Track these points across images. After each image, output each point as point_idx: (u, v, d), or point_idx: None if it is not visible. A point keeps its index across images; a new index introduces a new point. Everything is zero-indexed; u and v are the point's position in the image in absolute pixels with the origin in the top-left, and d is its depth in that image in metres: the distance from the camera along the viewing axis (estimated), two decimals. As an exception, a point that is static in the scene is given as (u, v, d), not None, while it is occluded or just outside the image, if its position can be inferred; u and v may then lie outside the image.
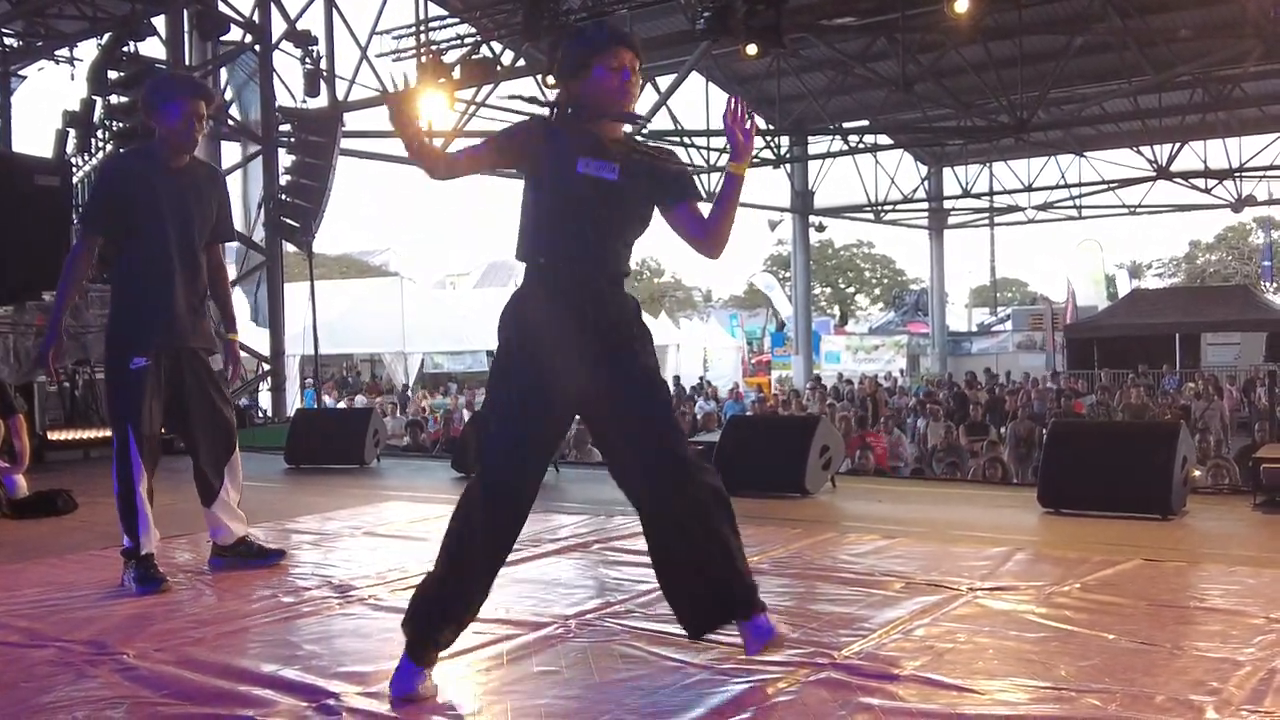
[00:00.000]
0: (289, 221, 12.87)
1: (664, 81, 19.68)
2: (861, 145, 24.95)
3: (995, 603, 3.82)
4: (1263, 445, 8.84)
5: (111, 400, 4.34)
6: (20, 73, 14.71)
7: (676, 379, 22.40)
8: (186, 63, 12.43)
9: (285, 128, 13.44)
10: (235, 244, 12.30)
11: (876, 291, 54.00)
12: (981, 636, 3.43)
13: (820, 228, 29.57)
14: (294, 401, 15.01)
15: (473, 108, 17.18)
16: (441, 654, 2.96)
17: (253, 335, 13.07)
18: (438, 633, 2.90)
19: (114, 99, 12.05)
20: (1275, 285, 35.61)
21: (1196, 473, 7.62)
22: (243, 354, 4.70)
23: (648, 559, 4.64)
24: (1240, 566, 4.44)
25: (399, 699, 2.85)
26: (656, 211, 3.09)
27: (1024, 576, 4.25)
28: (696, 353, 29.99)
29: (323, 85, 13.86)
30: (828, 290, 52.32)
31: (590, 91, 2.97)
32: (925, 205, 30.84)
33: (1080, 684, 2.95)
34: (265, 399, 14.29)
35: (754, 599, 3.04)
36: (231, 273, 7.37)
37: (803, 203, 27.87)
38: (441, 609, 2.90)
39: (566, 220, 2.93)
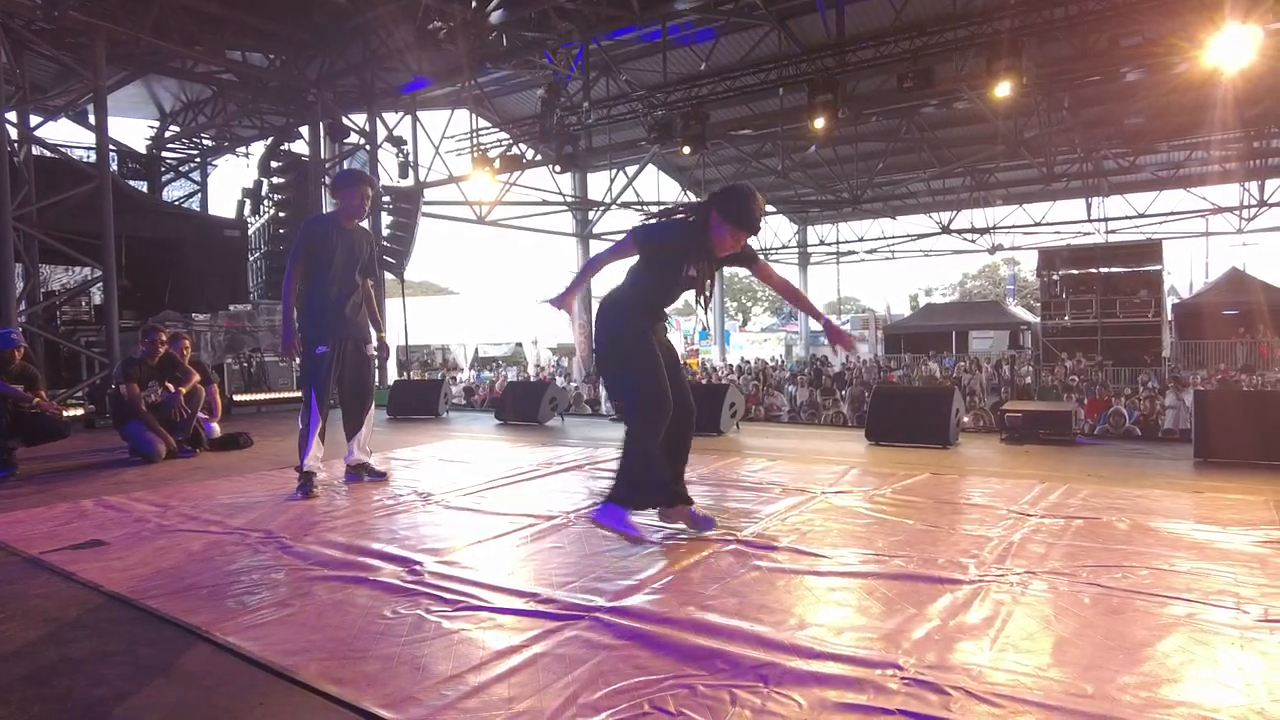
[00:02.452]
0: (389, 260, 12.76)
1: (631, 169, 19.63)
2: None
3: (838, 500, 3.86)
4: (1007, 401, 8.97)
5: (303, 374, 4.32)
6: (214, 163, 14.46)
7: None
8: (321, 157, 12.22)
9: (386, 199, 13.29)
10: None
11: (765, 305, 54.05)
12: (829, 521, 3.46)
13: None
14: (393, 375, 14.81)
15: (508, 187, 17.00)
16: (487, 536, 2.94)
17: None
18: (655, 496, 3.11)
19: (274, 180, 11.92)
20: (1015, 301, 35.92)
21: (965, 419, 7.69)
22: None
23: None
24: (991, 478, 4.50)
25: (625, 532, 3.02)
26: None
27: (856, 484, 4.28)
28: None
29: (410, 171, 13.72)
30: (734, 304, 52.32)
31: (717, 234, 3.02)
32: (796, 249, 30.91)
33: (891, 552, 2.99)
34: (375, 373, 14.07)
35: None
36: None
37: (719, 248, 27.77)
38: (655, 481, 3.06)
39: (669, 292, 3.12)
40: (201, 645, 2.27)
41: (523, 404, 8.06)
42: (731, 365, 21.83)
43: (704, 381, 16.20)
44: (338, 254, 4.29)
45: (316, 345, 4.26)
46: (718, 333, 28.94)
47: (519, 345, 26.59)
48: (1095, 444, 6.04)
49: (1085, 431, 7.97)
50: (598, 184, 22.32)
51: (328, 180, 11.33)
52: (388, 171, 13.68)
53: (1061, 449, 5.62)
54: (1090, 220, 22.13)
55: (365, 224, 4.55)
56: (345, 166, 13.10)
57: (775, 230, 28.07)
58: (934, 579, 2.66)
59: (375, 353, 4.57)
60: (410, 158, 13.65)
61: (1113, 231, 23.31)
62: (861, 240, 28.81)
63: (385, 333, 4.72)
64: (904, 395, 6.56)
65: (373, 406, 4.61)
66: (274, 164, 12.03)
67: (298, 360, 4.36)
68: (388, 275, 13.58)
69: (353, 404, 4.50)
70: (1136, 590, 2.52)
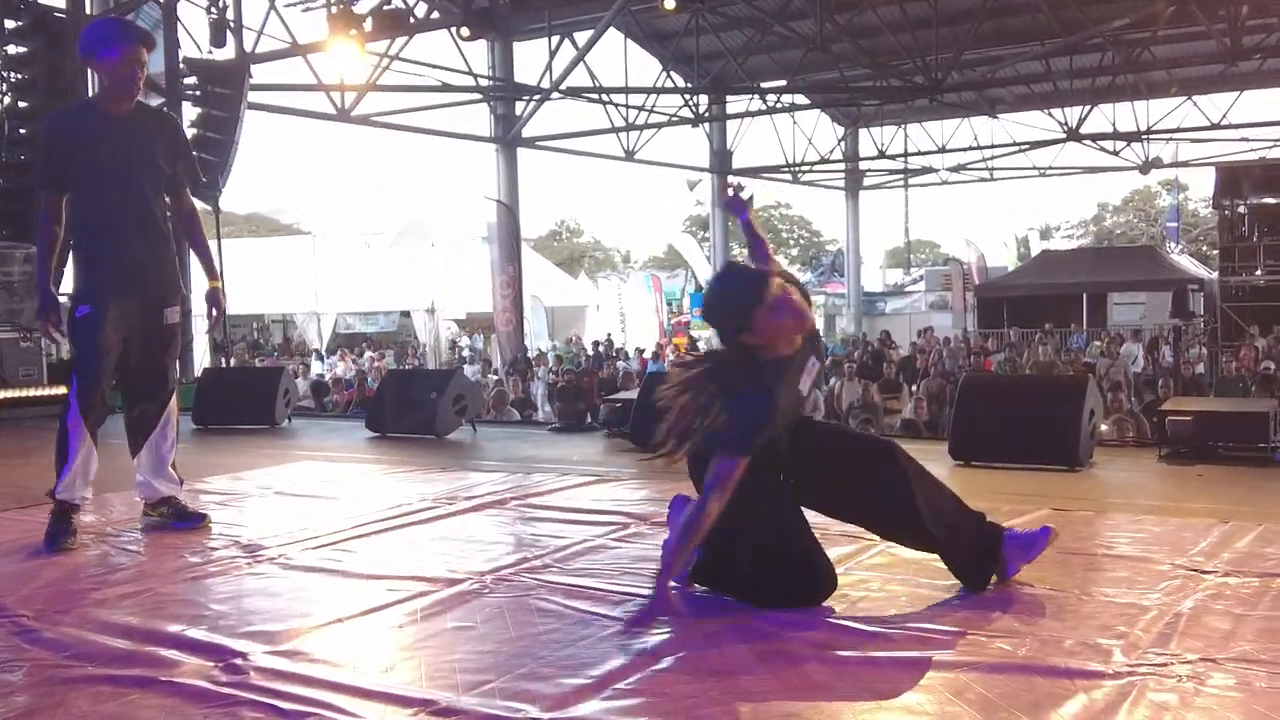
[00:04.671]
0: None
1: (581, 37, 19.50)
2: (779, 105, 25.02)
3: (908, 552, 3.87)
4: (1167, 399, 9.10)
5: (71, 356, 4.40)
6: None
7: (596, 343, 22.38)
8: (86, 11, 11.98)
9: (190, 80, 13.09)
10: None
11: (794, 252, 54.42)
12: (894, 584, 3.47)
13: (739, 188, 29.61)
14: (202, 362, 14.66)
15: (385, 60, 16.82)
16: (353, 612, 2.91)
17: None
18: None
19: (11, 49, 11.60)
20: (1180, 246, 36.62)
21: (1104, 426, 7.81)
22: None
23: (565, 515, 4.69)
24: (1145, 515, 4.55)
25: None
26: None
27: (936, 527, 4.31)
28: (615, 313, 29.94)
29: (229, 36, 13.49)
30: (746, 251, 52.56)
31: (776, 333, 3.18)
32: (841, 166, 31.07)
33: (992, 629, 3.00)
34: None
35: None
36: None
37: (721, 163, 27.88)
38: None
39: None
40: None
41: (411, 406, 8.07)
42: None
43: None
44: (109, 159, 4.27)
45: (78, 305, 4.25)
46: (719, 296, 28.98)
47: (405, 316, 26.48)
48: (1305, 463, 6.13)
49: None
50: (530, 59, 22.26)
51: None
52: (191, 36, 13.51)
53: (1254, 471, 5.70)
54: (1297, 121, 22.51)
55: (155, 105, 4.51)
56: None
57: (811, 136, 28.18)
58: (1059, 671, 2.66)
59: (179, 320, 4.56)
60: (230, 14, 13.49)
61: (1331, 138, 23.79)
62: (943, 151, 29.14)
63: (221, 280, 4.72)
64: (1008, 391, 6.63)
65: (174, 407, 4.58)
66: (9, 24, 11.75)
67: (59, 338, 4.37)
68: (195, 203, 13.41)
69: (140, 403, 4.50)
70: (1371, 685, 2.54)
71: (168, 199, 4.49)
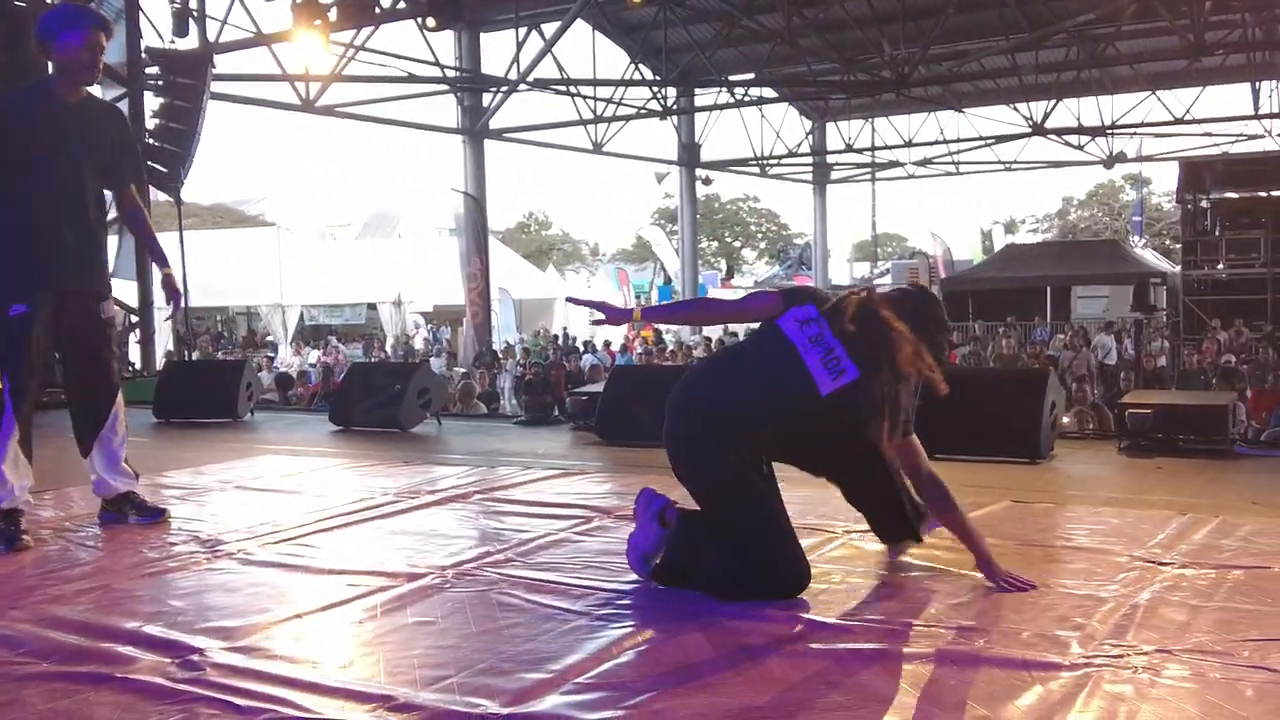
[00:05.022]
0: (156, 167, 12.46)
1: (549, 29, 19.45)
2: (747, 98, 25.05)
3: (869, 544, 3.89)
4: (1128, 392, 9.20)
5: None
6: None
7: (554, 336, 22.34)
8: (47, 0, 11.80)
9: (152, 70, 12.94)
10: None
11: (762, 245, 54.57)
12: (855, 577, 3.49)
13: (707, 181, 29.66)
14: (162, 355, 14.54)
15: (351, 51, 16.70)
16: (313, 608, 2.90)
17: (119, 287, 12.60)
18: None
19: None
20: (1143, 240, 36.99)
21: (1066, 419, 7.87)
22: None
23: (529, 508, 4.68)
24: (1104, 507, 4.60)
25: None
26: None
27: (899, 519, 4.33)
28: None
29: (192, 25, 13.36)
30: (714, 244, 52.66)
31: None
32: (809, 160, 31.18)
33: (950, 621, 3.02)
34: (134, 352, 13.83)
35: None
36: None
37: (689, 155, 27.89)
38: None
39: None
40: None
41: (376, 399, 8.06)
42: (709, 338, 21.96)
43: (666, 363, 16.29)
44: (55, 146, 4.19)
45: (11, 301, 4.15)
46: (688, 289, 29.08)
47: (372, 308, 26.33)
48: (1264, 456, 6.22)
49: (1249, 438, 8.21)
50: (497, 50, 22.17)
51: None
52: (154, 25, 13.37)
53: (1213, 464, 5.76)
54: (1259, 116, 22.81)
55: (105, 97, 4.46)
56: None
57: (779, 130, 28.24)
58: (1016, 662, 2.68)
59: (113, 315, 4.52)
60: (193, 2, 13.35)
61: (1291, 133, 24.10)
62: (909, 145, 29.29)
63: (171, 268, 4.64)
64: (972, 384, 6.65)
65: (120, 401, 4.52)
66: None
67: None
68: (156, 194, 13.29)
69: (83, 399, 4.43)
70: (1322, 674, 2.58)
71: (108, 193, 4.45)
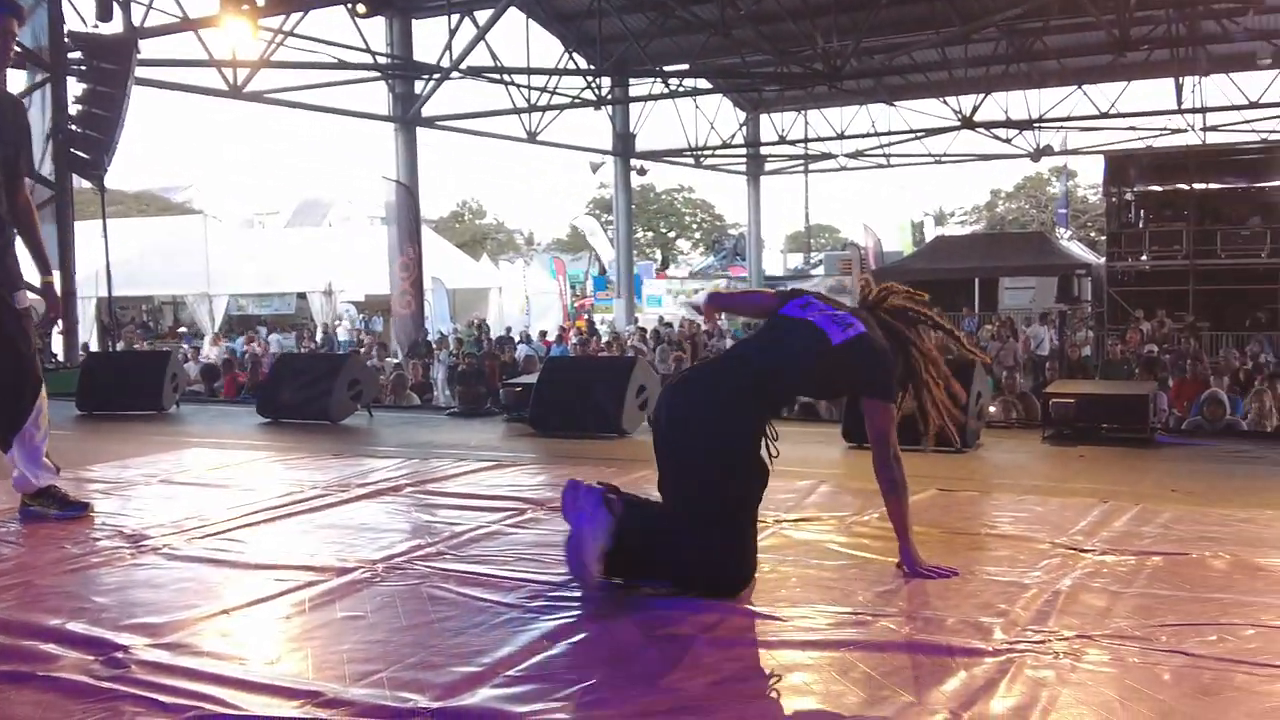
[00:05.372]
0: (79, 154, 12.21)
1: (482, 16, 19.29)
2: (681, 89, 25.07)
3: (799, 533, 3.93)
4: (1053, 381, 9.37)
5: None
6: None
7: (482, 324, 22.22)
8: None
9: (75, 54, 12.65)
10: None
11: (697, 236, 54.66)
12: (785, 566, 3.52)
13: (642, 171, 29.63)
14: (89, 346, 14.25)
15: (280, 36, 16.43)
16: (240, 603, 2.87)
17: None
18: None
19: None
20: (1069, 232, 37.66)
21: (992, 408, 8.01)
22: (33, 297, 4.45)
23: (461, 501, 4.67)
24: (1028, 495, 4.70)
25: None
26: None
27: (826, 508, 4.39)
28: (518, 296, 29.75)
29: (117, 9, 13.08)
30: (649, 234, 52.65)
31: None
32: (743, 151, 31.29)
33: (877, 608, 3.07)
34: (57, 343, 13.55)
35: None
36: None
37: (624, 146, 27.85)
38: None
39: None
40: None
41: (305, 390, 7.99)
42: (644, 329, 22.03)
43: (600, 354, 16.30)
44: None
45: None
46: (623, 279, 29.07)
47: (302, 298, 25.96)
48: (1184, 445, 6.38)
49: (1169, 426, 8.41)
50: (430, 38, 21.93)
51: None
52: (76, 9, 13.06)
53: (1134, 452, 5.91)
54: (1182, 111, 23.28)
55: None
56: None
57: (714, 121, 28.32)
58: (940, 649, 2.73)
59: (29, 305, 4.40)
60: (115, -15, 13.05)
61: (1213, 128, 24.68)
62: (842, 138, 29.50)
63: (55, 275, 4.56)
64: (902, 373, 6.73)
65: (43, 395, 4.44)
66: None
67: None
68: (80, 181, 13.00)
69: (5, 396, 4.33)
70: (1239, 659, 2.65)
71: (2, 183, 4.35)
